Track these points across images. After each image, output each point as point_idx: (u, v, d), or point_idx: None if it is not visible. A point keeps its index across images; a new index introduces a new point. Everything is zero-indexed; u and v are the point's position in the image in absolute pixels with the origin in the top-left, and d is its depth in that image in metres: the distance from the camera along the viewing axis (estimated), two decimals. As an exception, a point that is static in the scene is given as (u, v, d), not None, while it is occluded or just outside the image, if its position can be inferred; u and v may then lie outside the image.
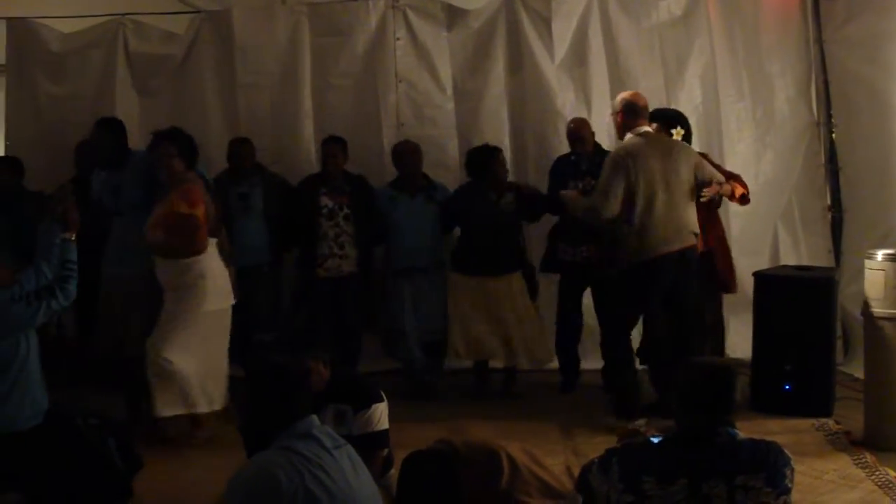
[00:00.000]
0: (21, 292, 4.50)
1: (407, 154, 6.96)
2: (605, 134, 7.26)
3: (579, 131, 6.84)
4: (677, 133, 6.35)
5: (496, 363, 6.96)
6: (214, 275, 5.89)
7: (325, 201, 6.80)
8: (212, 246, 5.90)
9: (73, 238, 4.77)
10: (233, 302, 6.04)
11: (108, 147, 6.18)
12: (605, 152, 6.67)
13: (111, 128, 6.27)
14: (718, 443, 3.05)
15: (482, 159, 6.73)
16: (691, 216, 6.03)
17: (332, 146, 6.89)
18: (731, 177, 6.34)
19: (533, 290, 6.86)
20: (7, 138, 7.73)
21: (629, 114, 6.07)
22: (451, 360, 6.98)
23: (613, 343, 6.27)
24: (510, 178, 7.01)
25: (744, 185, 6.32)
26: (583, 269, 6.76)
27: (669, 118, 6.46)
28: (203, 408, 5.85)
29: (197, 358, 5.81)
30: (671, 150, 6.07)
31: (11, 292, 4.49)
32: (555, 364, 6.96)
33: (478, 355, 6.86)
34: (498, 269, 6.71)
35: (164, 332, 5.77)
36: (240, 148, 6.98)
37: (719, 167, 6.46)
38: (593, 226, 6.31)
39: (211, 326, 5.90)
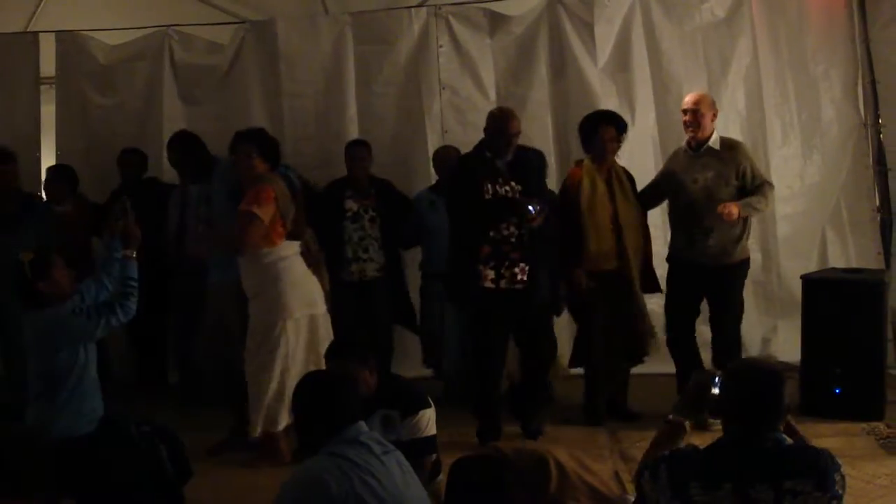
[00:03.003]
0: (82, 305, 4.58)
1: (446, 160, 6.93)
2: (648, 139, 7.25)
3: (505, 123, 5.86)
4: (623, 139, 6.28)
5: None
6: (295, 280, 5.62)
7: (350, 205, 6.80)
8: (292, 248, 5.67)
9: (133, 255, 4.83)
10: (324, 309, 5.76)
11: (194, 161, 6.15)
12: (527, 157, 5.96)
13: (188, 142, 6.22)
14: (765, 448, 3.01)
15: None
16: None
17: (357, 149, 6.91)
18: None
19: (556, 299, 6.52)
20: (58, 149, 7.83)
21: None
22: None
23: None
24: (553, 184, 6.99)
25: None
26: (511, 298, 5.78)
27: (622, 122, 6.32)
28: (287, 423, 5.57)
29: (287, 370, 5.54)
30: None
31: (73, 305, 4.57)
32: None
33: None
34: None
35: (251, 346, 5.59)
36: None
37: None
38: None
39: (299, 335, 5.61)
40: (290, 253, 5.65)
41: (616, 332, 6.13)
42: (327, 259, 6.50)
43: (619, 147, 6.19)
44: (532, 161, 5.97)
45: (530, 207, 5.64)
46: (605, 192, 6.05)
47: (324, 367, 5.32)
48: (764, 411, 3.06)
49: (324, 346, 5.26)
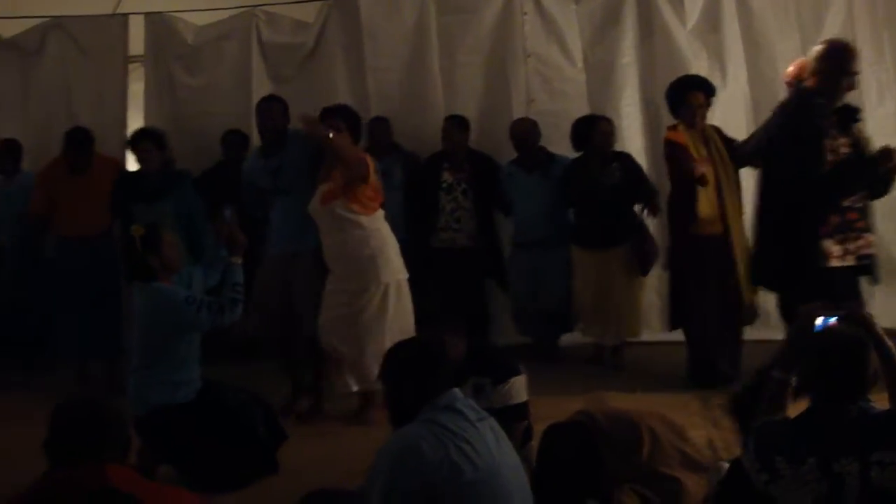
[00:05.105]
0: (196, 295, 4.74)
1: (521, 131, 7.09)
2: (741, 100, 7.09)
3: (848, 59, 5.15)
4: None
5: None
6: (388, 246, 5.83)
7: (446, 177, 7.02)
8: (383, 216, 5.88)
9: (239, 262, 4.94)
10: (407, 275, 5.92)
11: (279, 124, 6.18)
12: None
13: (282, 105, 6.28)
14: (850, 418, 2.90)
15: (581, 130, 6.79)
16: None
17: (450, 123, 7.08)
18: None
19: (645, 262, 6.73)
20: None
21: None
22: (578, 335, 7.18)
23: None
24: (640, 147, 7.13)
25: None
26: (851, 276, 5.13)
27: (710, 87, 6.36)
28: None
29: (380, 334, 5.72)
30: None
31: (186, 297, 4.70)
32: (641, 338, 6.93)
33: (591, 335, 7.00)
34: (603, 241, 6.71)
35: (340, 313, 5.76)
36: (378, 126, 7.19)
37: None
38: None
39: (392, 300, 5.79)
40: (382, 222, 5.86)
41: (718, 297, 6.13)
42: (422, 228, 6.94)
43: (707, 111, 6.22)
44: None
45: None
46: (706, 157, 6.08)
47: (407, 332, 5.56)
48: (847, 382, 2.96)
49: (406, 311, 5.68)
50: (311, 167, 5.94)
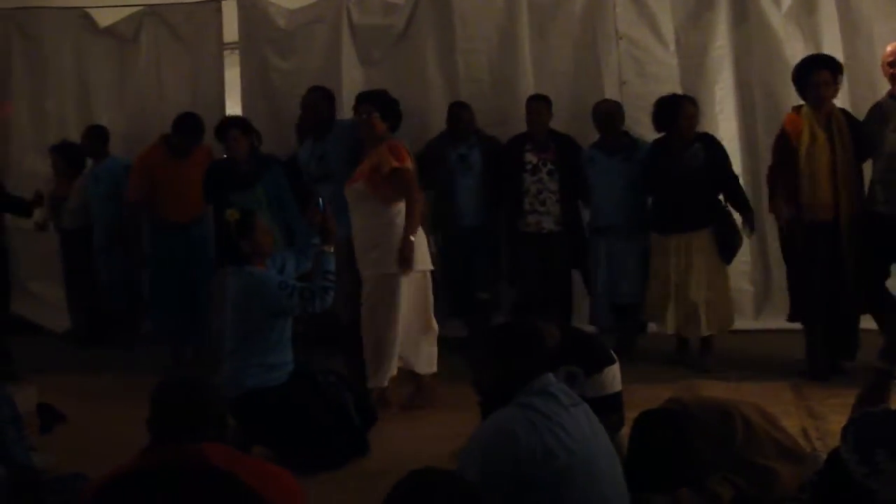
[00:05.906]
0: (288, 281, 4.85)
1: (603, 112, 6.95)
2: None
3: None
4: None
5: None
6: (417, 236, 5.78)
7: (530, 157, 6.90)
8: (403, 211, 5.80)
9: (331, 250, 5.00)
10: (431, 267, 5.95)
11: (322, 113, 6.37)
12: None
13: (325, 94, 6.48)
14: None
15: (665, 111, 6.57)
16: None
17: (534, 104, 6.98)
18: None
19: (728, 248, 6.51)
20: (243, 112, 8.06)
21: None
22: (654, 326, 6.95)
23: None
24: (735, 131, 7.01)
25: None
26: None
27: (836, 64, 6.18)
28: (423, 369, 5.86)
29: (406, 322, 5.77)
30: None
31: (279, 282, 4.79)
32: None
33: (668, 326, 6.63)
34: (684, 226, 6.45)
35: (372, 301, 5.76)
36: (460, 111, 7.17)
37: None
38: None
39: (415, 289, 5.83)
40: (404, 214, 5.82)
41: (829, 287, 6.00)
42: (507, 211, 6.93)
43: (836, 91, 6.05)
44: None
45: None
46: (825, 142, 5.92)
47: (427, 322, 5.80)
48: None
49: (423, 304, 5.80)
50: (352, 156, 6.03)
